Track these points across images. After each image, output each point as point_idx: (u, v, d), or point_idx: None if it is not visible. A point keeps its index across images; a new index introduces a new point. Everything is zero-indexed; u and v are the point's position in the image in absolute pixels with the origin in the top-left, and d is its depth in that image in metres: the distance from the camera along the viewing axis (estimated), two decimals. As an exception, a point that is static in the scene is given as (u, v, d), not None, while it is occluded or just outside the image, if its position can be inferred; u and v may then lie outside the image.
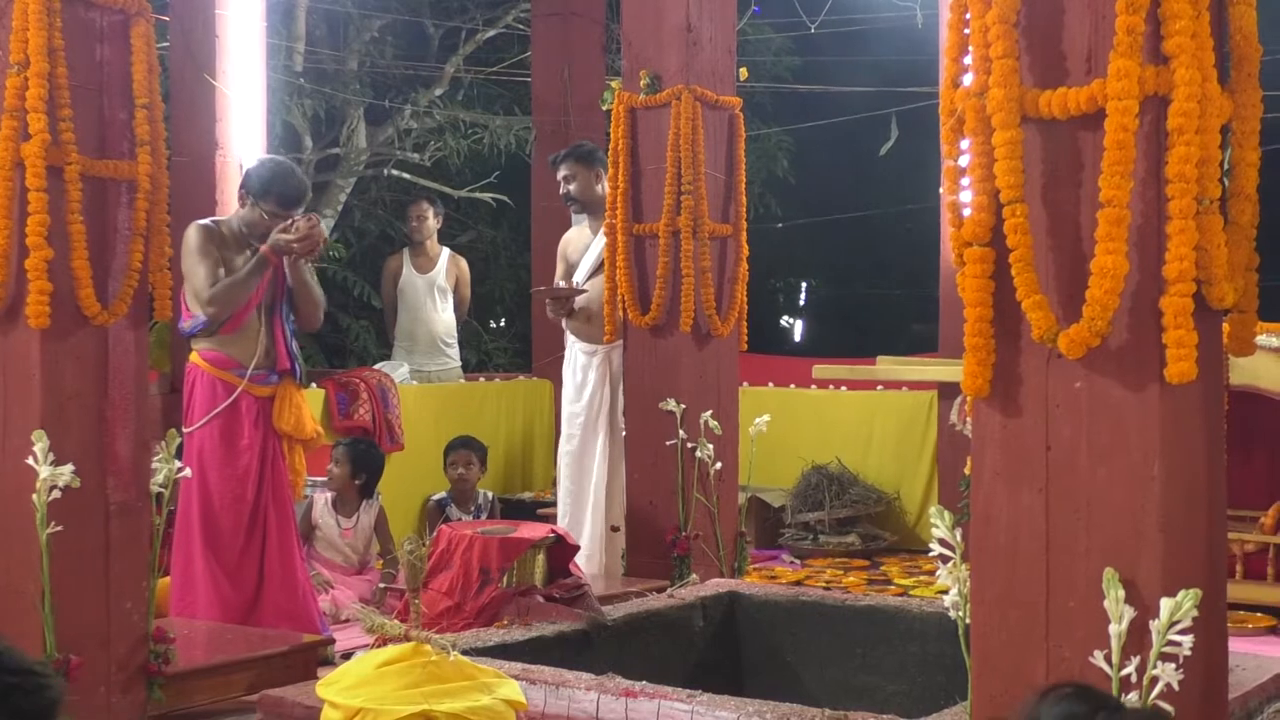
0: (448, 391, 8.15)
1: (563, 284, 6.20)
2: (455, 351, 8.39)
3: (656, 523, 5.54)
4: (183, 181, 6.03)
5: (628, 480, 5.74)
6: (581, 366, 6.07)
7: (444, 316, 8.31)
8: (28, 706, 1.38)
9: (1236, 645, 3.25)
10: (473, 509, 6.83)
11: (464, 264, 8.63)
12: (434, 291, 8.25)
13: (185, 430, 5.04)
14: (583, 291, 6.03)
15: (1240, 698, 3.35)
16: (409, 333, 8.30)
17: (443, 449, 7.08)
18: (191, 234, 5.08)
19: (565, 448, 6.07)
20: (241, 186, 5.18)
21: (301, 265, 5.16)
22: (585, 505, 5.92)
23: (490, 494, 7.07)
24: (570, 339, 6.19)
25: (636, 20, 5.69)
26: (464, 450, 6.90)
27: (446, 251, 8.45)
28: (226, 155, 6.64)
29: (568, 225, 8.52)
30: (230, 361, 5.08)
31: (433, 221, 8.34)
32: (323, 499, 6.14)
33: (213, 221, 5.19)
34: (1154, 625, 2.44)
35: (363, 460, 6.24)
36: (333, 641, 4.93)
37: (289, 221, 5.02)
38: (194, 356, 5.14)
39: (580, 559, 5.74)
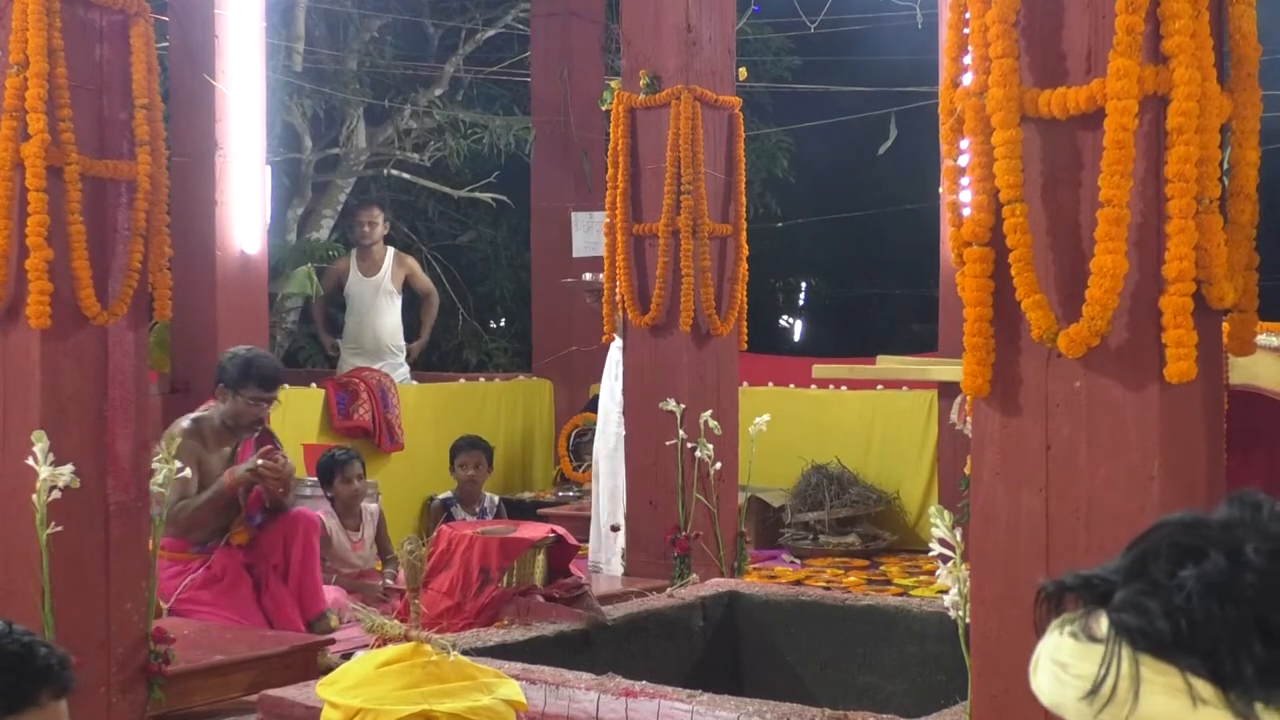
0: (448, 391, 8.15)
1: (588, 276, 6.23)
2: (402, 355, 8.32)
3: (656, 522, 5.54)
4: (182, 181, 6.03)
5: (628, 480, 5.74)
6: (616, 362, 6.06)
7: (390, 319, 8.25)
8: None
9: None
10: (478, 510, 6.81)
11: (411, 260, 8.59)
12: (380, 294, 8.19)
13: (165, 605, 5.03)
14: None
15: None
16: (355, 336, 8.23)
17: (443, 449, 7.07)
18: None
19: (600, 445, 6.08)
20: (218, 380, 5.14)
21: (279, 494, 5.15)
22: (621, 501, 5.90)
23: (496, 498, 7.03)
24: None
25: (636, 20, 5.69)
26: (474, 451, 6.85)
27: (391, 252, 8.37)
28: (226, 155, 6.64)
29: (567, 225, 8.55)
30: (188, 544, 5.09)
31: (383, 227, 8.31)
32: (333, 522, 6.08)
33: (193, 421, 5.15)
34: (1154, 625, 2.44)
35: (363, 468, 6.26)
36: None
37: (260, 462, 5.01)
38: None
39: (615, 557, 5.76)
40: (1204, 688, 0.93)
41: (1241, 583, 0.94)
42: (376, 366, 7.85)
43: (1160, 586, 0.97)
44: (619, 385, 5.97)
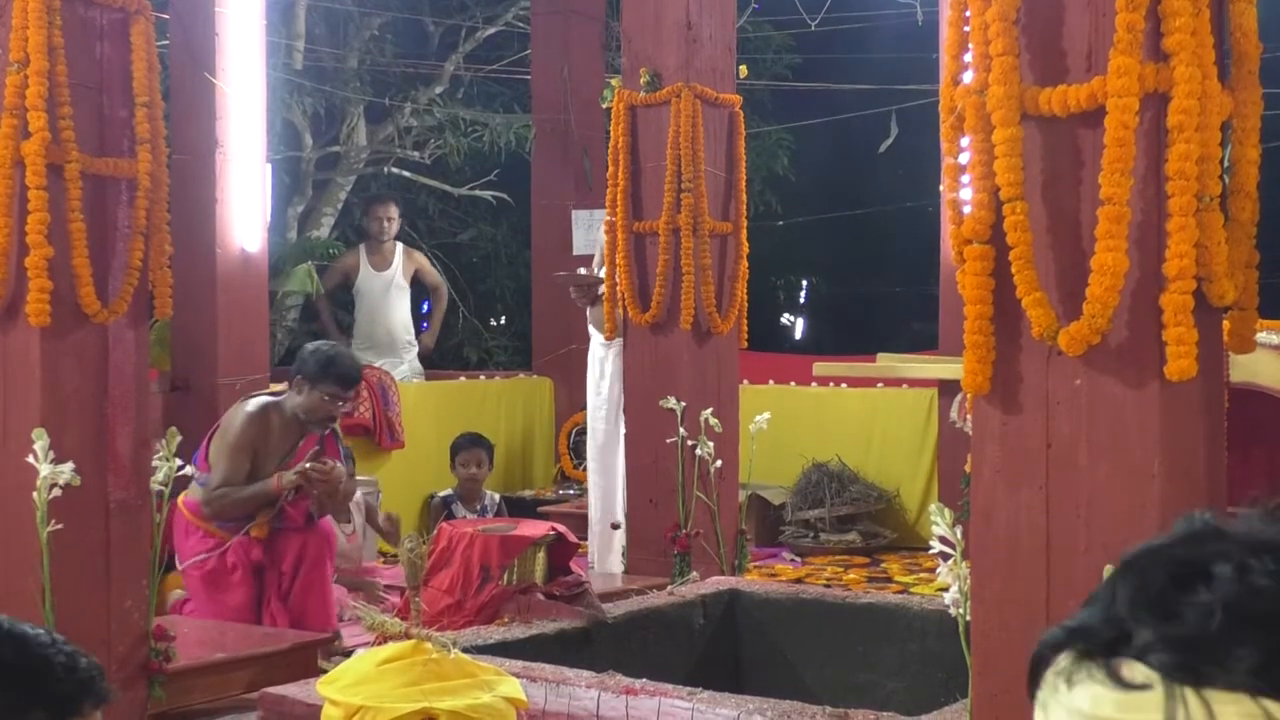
0: (448, 389, 8.15)
1: (583, 270, 6.24)
2: (415, 349, 8.32)
3: (657, 520, 5.54)
4: (183, 179, 6.03)
5: (628, 479, 5.74)
6: (600, 359, 6.06)
7: (401, 313, 8.28)
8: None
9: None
10: (478, 508, 6.80)
11: (419, 254, 8.63)
12: (392, 289, 8.22)
13: (179, 567, 5.00)
14: (603, 281, 6.03)
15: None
16: (367, 332, 8.24)
17: (444, 446, 7.07)
18: (238, 420, 4.99)
19: (590, 441, 6.09)
20: (295, 373, 5.07)
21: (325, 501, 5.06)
22: (615, 498, 5.90)
23: (497, 496, 7.03)
24: (591, 330, 6.20)
25: (636, 17, 5.69)
26: (475, 449, 6.84)
27: (400, 246, 8.41)
28: (226, 153, 6.64)
29: (567, 223, 8.55)
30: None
31: (399, 222, 8.35)
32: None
33: (261, 407, 5.04)
34: (1154, 622, 2.44)
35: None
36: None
37: (309, 465, 4.92)
38: (180, 501, 4.96)
39: (616, 554, 5.76)
40: (1275, 707, 0.89)
41: (1264, 591, 0.91)
42: (389, 360, 7.90)
43: (1182, 616, 0.92)
44: (605, 384, 5.98)
